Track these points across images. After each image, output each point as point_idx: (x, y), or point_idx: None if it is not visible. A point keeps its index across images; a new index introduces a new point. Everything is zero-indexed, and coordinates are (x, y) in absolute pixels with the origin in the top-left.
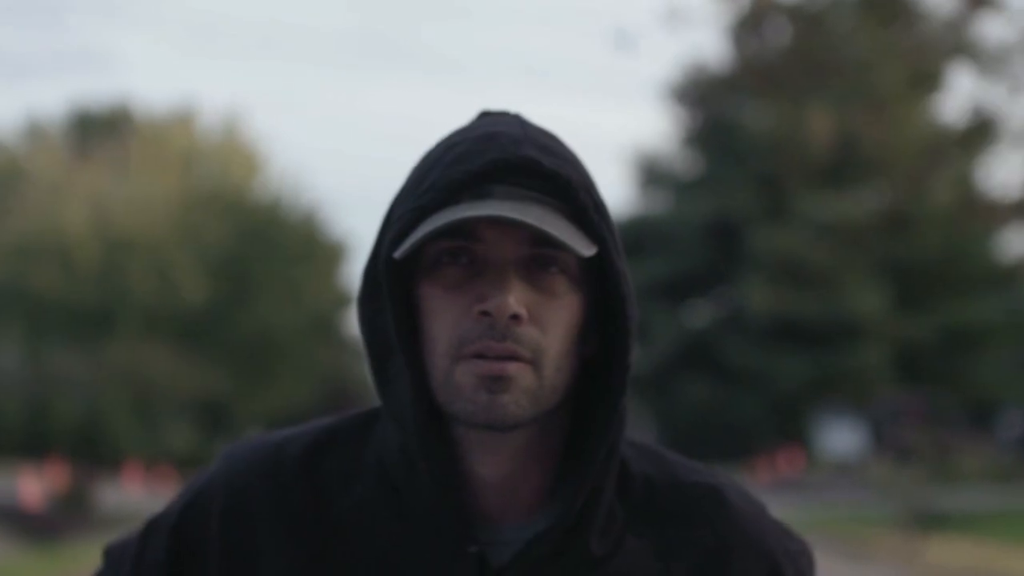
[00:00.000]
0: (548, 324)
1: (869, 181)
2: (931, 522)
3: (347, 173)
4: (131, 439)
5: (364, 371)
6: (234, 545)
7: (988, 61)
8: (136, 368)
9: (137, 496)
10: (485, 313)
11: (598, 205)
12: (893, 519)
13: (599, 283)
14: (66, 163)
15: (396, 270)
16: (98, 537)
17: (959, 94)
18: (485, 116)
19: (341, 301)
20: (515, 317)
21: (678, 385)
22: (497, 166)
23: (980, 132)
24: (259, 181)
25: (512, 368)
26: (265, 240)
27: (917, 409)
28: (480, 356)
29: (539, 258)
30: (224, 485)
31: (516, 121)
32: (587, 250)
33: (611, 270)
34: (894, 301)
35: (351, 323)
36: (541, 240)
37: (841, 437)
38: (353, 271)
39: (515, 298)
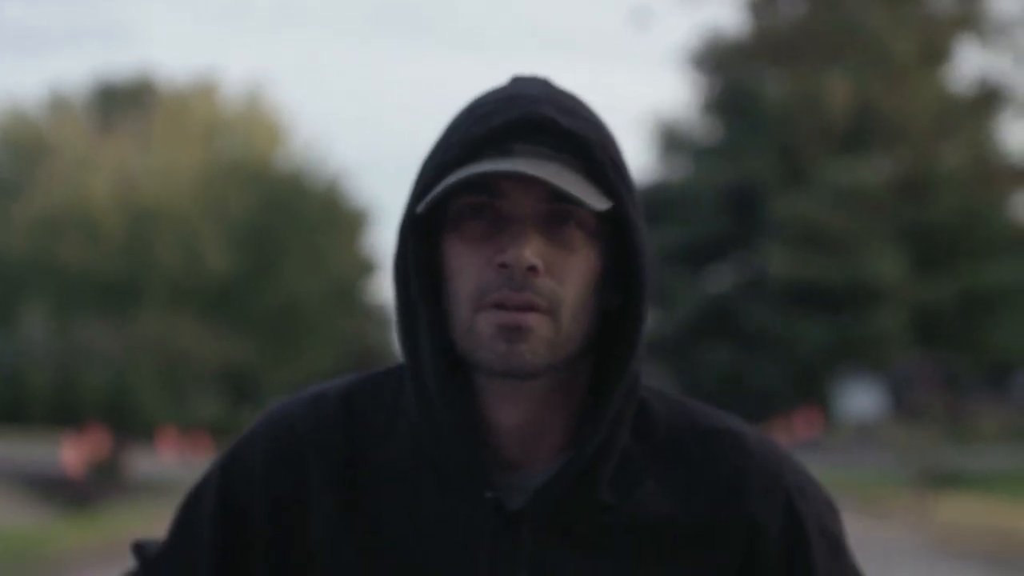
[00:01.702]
0: (565, 276)
1: (886, 148)
2: (944, 482)
3: (369, 142)
4: (159, 409)
5: (388, 339)
6: (282, 492)
7: (993, 33)
8: (163, 339)
9: (171, 464)
10: (504, 265)
11: (615, 163)
12: (908, 479)
13: (618, 238)
14: (90, 136)
15: (423, 226)
16: (132, 503)
17: (969, 65)
18: (515, 80)
19: (364, 269)
20: (532, 269)
21: (699, 350)
22: (517, 124)
23: (989, 100)
24: (282, 151)
25: (530, 319)
26: (288, 209)
27: (931, 372)
28: (499, 306)
29: (557, 213)
30: (264, 437)
31: (541, 84)
32: (601, 205)
33: (626, 223)
34: (912, 266)
35: (374, 291)
36: (558, 196)
37: (860, 400)
38: (376, 239)
39: (532, 250)
